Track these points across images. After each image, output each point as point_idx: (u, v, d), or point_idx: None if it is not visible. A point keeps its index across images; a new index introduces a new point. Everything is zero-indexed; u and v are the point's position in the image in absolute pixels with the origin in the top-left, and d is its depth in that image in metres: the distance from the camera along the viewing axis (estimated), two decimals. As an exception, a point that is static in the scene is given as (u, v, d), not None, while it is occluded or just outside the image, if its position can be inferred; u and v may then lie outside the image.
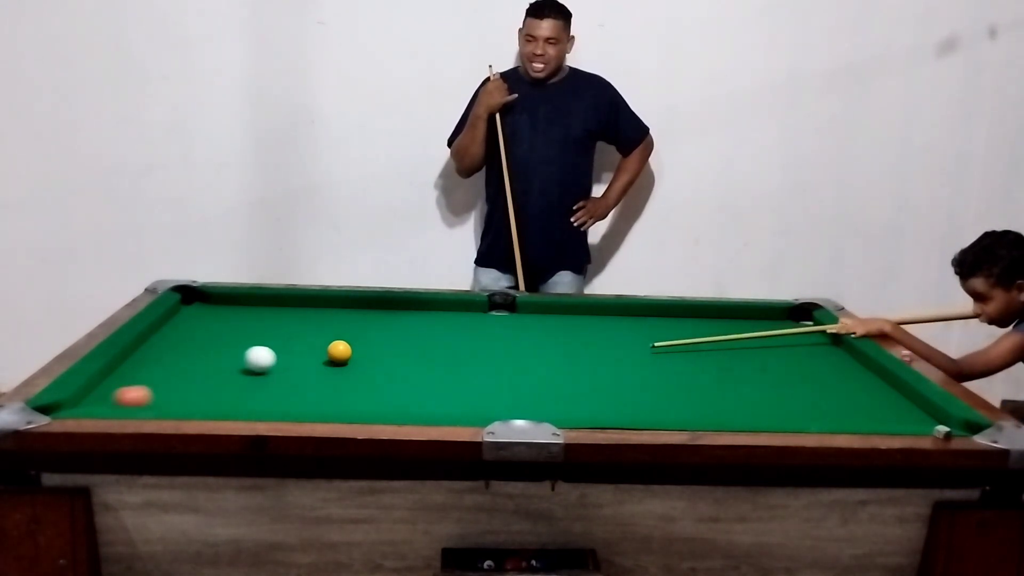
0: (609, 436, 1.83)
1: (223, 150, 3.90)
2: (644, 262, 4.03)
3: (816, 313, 2.88)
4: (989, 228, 4.16)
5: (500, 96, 3.52)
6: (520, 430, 1.81)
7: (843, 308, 2.90)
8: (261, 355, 2.24)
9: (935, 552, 1.87)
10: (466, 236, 4.00)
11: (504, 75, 3.64)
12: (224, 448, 1.79)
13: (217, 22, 3.79)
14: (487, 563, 1.81)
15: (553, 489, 1.83)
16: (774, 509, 1.88)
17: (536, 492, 1.84)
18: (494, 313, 2.91)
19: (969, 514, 1.86)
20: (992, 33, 3.98)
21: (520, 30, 3.57)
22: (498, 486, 1.83)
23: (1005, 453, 1.83)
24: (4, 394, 1.92)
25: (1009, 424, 1.94)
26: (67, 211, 3.89)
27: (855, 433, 1.89)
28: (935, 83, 4.01)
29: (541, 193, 3.59)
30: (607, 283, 3.94)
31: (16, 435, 1.74)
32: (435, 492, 1.84)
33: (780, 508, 1.88)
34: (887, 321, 2.70)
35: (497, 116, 3.54)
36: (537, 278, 3.62)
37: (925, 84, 4.01)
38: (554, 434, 1.80)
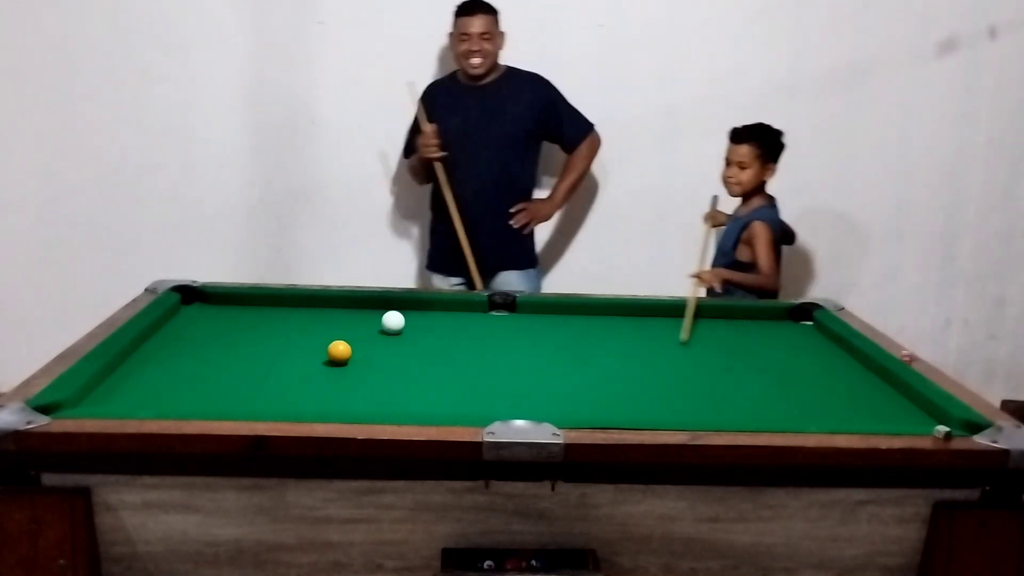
0: (609, 436, 1.83)
1: (223, 150, 3.91)
2: (644, 262, 4.03)
3: (816, 313, 2.88)
4: (989, 228, 4.21)
5: (430, 152, 3.54)
6: (520, 430, 1.81)
7: (843, 308, 2.90)
8: (394, 319, 2.57)
9: (935, 552, 1.87)
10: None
11: (439, 82, 3.73)
12: (224, 448, 1.79)
13: (217, 22, 3.80)
14: (487, 563, 1.81)
15: (553, 489, 1.83)
16: (774, 509, 1.88)
17: (536, 492, 1.84)
18: (494, 313, 2.91)
19: (969, 514, 1.86)
20: (992, 33, 3.98)
21: (451, 33, 3.62)
22: (498, 486, 1.83)
23: (1005, 453, 1.83)
24: (4, 394, 1.92)
25: (1009, 424, 1.94)
26: (67, 211, 3.90)
27: (855, 433, 1.89)
28: (935, 83, 4.01)
29: (476, 194, 3.60)
30: (607, 283, 3.94)
31: (16, 435, 1.74)
32: (435, 492, 1.84)
33: (780, 508, 1.88)
34: (720, 273, 3.24)
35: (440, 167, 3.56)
36: (483, 279, 3.65)
37: (925, 84, 4.01)
38: (554, 434, 1.80)
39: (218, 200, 3.93)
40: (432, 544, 1.85)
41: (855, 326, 2.71)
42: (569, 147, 3.74)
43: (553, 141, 3.75)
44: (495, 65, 3.62)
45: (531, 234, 3.75)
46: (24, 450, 1.76)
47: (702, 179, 4.03)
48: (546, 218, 3.76)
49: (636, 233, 4.06)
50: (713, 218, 3.46)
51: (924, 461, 1.86)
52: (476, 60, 3.54)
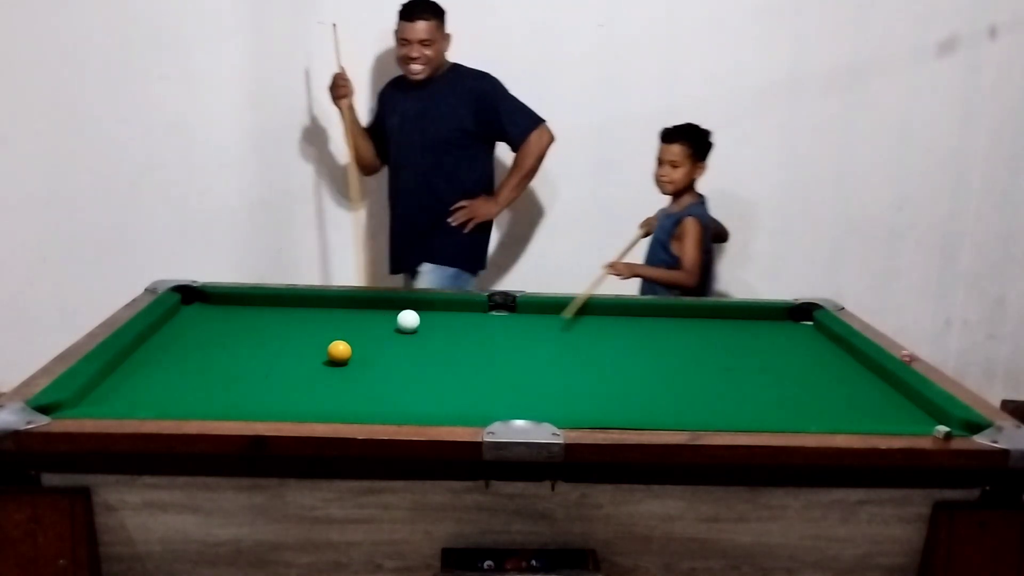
0: (609, 436, 1.83)
1: (223, 150, 3.91)
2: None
3: (816, 313, 2.87)
4: (989, 228, 4.20)
5: (338, 91, 3.55)
6: (520, 430, 1.81)
7: (843, 308, 2.90)
8: (410, 318, 2.61)
9: (935, 552, 1.87)
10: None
11: (393, 80, 3.66)
12: (224, 448, 1.79)
13: (217, 22, 3.80)
14: (487, 563, 1.81)
15: (553, 489, 1.83)
16: (774, 509, 1.88)
17: (536, 492, 1.84)
18: (494, 313, 2.91)
19: (969, 514, 1.86)
20: (992, 33, 3.98)
21: (395, 31, 3.52)
22: (498, 486, 1.83)
23: (1005, 453, 1.83)
24: (4, 394, 1.92)
25: (1009, 424, 1.94)
26: (67, 211, 3.90)
27: (855, 433, 1.89)
28: (935, 83, 4.01)
29: (408, 193, 3.59)
30: (608, 282, 3.95)
31: (16, 435, 1.74)
32: (435, 492, 1.84)
33: (780, 508, 1.88)
34: (634, 267, 3.36)
35: (344, 113, 3.58)
36: (407, 276, 3.67)
37: (925, 84, 4.01)
38: (554, 434, 1.80)
39: (218, 200, 3.93)
40: (432, 544, 1.85)
41: (855, 326, 2.71)
42: (514, 145, 3.60)
43: (500, 140, 3.63)
44: (439, 68, 3.53)
45: (473, 235, 3.61)
46: (24, 450, 1.76)
47: (702, 179, 4.05)
48: (487, 217, 3.61)
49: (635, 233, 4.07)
50: (649, 224, 3.54)
51: (924, 461, 1.86)
52: (416, 67, 3.46)
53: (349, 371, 2.30)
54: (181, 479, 1.81)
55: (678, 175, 3.38)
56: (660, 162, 3.42)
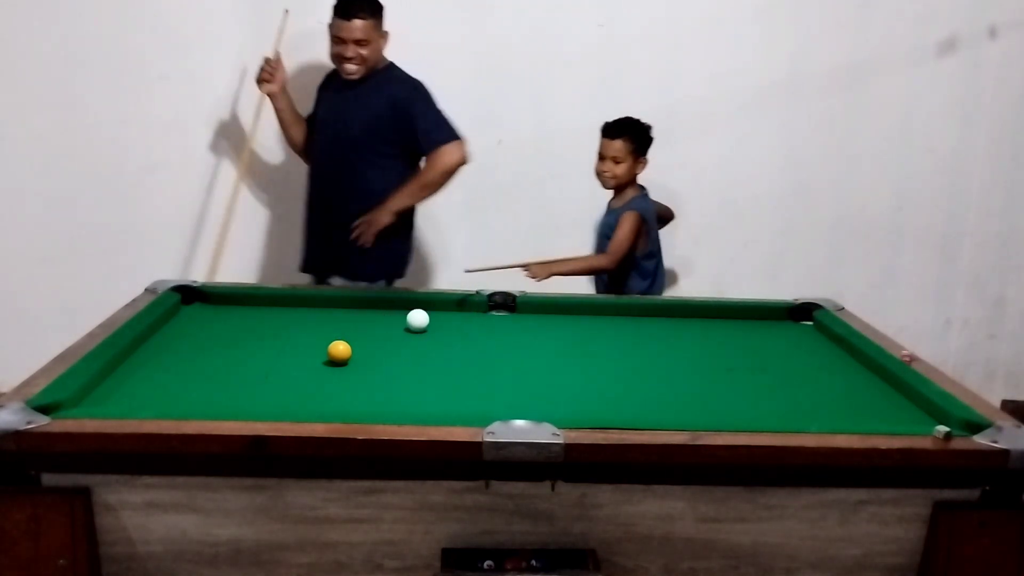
0: (609, 436, 1.83)
1: (223, 150, 3.91)
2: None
3: (816, 313, 2.88)
4: (989, 228, 4.21)
5: (261, 76, 3.43)
6: (520, 430, 1.81)
7: (843, 308, 2.90)
8: (419, 317, 2.62)
9: (935, 552, 1.87)
10: (465, 236, 4.01)
11: (330, 72, 3.49)
12: (224, 448, 1.79)
13: (217, 22, 3.79)
14: (487, 563, 1.81)
15: (553, 489, 1.83)
16: (774, 509, 1.88)
17: (536, 492, 1.84)
18: (494, 313, 2.91)
19: (969, 514, 1.86)
20: (992, 33, 3.98)
21: (329, 26, 3.34)
22: (498, 486, 1.83)
23: (1005, 453, 1.83)
24: (4, 394, 1.92)
25: (1009, 424, 1.94)
26: (67, 211, 3.89)
27: (855, 433, 1.89)
28: (935, 83, 4.02)
29: (319, 193, 3.47)
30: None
31: (16, 435, 1.74)
32: (435, 492, 1.84)
33: (780, 508, 1.88)
34: (551, 266, 3.27)
35: (274, 100, 3.47)
36: (319, 281, 3.50)
37: (925, 84, 4.01)
38: (554, 434, 1.80)
39: (218, 200, 3.93)
40: (432, 544, 1.85)
41: (855, 326, 2.71)
42: (425, 155, 3.37)
43: (415, 149, 3.38)
44: (376, 65, 3.36)
45: (388, 246, 3.39)
46: (24, 450, 1.76)
47: (702, 179, 4.05)
48: (378, 226, 3.30)
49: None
50: (535, 273, 3.27)
51: (924, 461, 1.86)
52: (351, 67, 3.29)
53: (349, 371, 2.30)
54: (181, 479, 1.81)
55: (620, 170, 3.38)
56: (602, 157, 3.41)
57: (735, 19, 3.92)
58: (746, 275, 4.07)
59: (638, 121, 3.41)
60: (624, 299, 3.19)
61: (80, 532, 1.78)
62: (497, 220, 4.02)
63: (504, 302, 2.93)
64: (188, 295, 2.82)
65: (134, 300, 2.69)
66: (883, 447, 1.84)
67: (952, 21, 3.96)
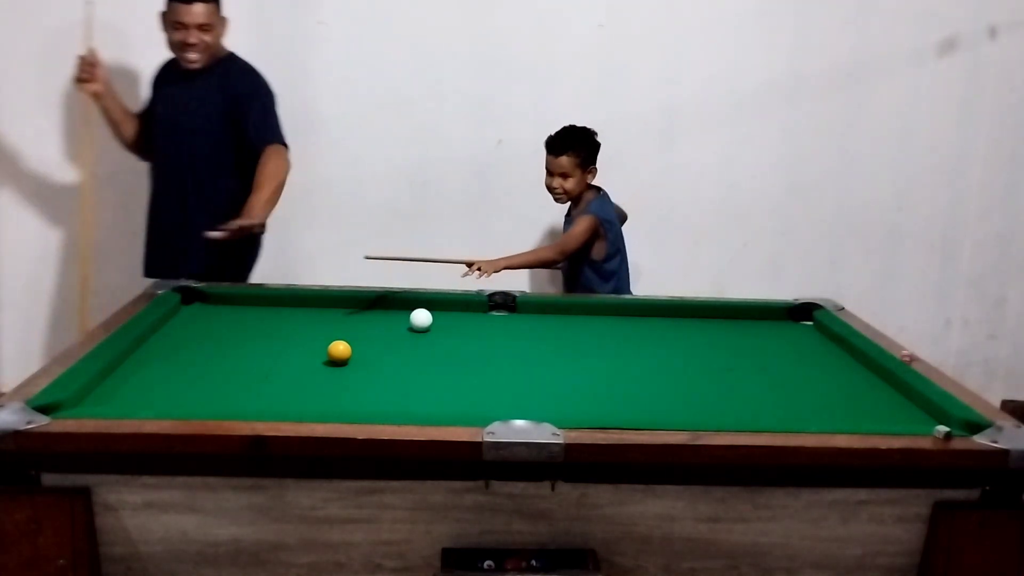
0: (609, 436, 1.83)
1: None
2: (644, 262, 4.03)
3: (816, 313, 2.87)
4: (989, 228, 4.21)
5: (80, 75, 3.20)
6: (520, 430, 1.81)
7: (843, 308, 2.90)
8: (422, 317, 2.62)
9: (935, 552, 1.87)
10: (466, 236, 4.00)
11: (168, 61, 3.30)
12: (224, 448, 1.79)
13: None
14: (487, 563, 1.81)
15: (553, 489, 1.83)
16: (774, 509, 1.88)
17: (536, 492, 1.84)
18: (494, 313, 2.91)
19: (969, 514, 1.86)
20: (992, 33, 3.98)
21: (163, 14, 3.15)
22: (498, 486, 1.83)
23: (1005, 453, 1.83)
24: (4, 394, 1.92)
25: (1009, 424, 1.94)
26: (68, 211, 3.89)
27: (855, 433, 1.89)
28: (935, 83, 4.02)
29: (161, 193, 3.31)
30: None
31: (16, 435, 1.74)
32: (435, 492, 1.84)
33: (780, 508, 1.88)
34: (497, 263, 3.17)
35: (98, 101, 3.26)
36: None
37: (925, 84, 4.02)
38: (554, 434, 1.80)
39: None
40: (432, 544, 1.85)
41: (855, 326, 2.71)
42: (253, 154, 3.16)
43: (247, 144, 3.19)
44: (216, 54, 3.21)
45: (233, 254, 3.21)
46: (24, 450, 1.76)
47: (702, 179, 4.05)
48: (239, 235, 3.01)
49: (636, 233, 4.06)
50: (484, 270, 3.15)
51: (924, 461, 1.86)
52: (193, 55, 3.13)
53: (349, 371, 2.30)
54: (181, 479, 1.81)
55: (570, 185, 3.36)
56: (550, 173, 3.37)
57: (735, 19, 3.93)
58: (746, 275, 4.07)
59: (583, 130, 3.39)
60: (624, 299, 3.19)
61: (80, 532, 1.78)
62: (497, 220, 4.02)
63: (504, 302, 2.93)
64: (188, 295, 2.82)
65: (134, 300, 2.69)
66: (883, 447, 1.84)
67: (952, 21, 3.96)
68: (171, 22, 3.13)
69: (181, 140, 3.23)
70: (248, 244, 3.33)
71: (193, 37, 3.11)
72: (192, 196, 3.24)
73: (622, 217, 3.66)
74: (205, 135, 3.21)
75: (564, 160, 3.34)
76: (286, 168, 3.15)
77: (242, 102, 3.18)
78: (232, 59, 3.27)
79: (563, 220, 3.59)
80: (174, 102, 3.25)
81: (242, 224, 2.96)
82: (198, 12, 3.09)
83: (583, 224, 3.34)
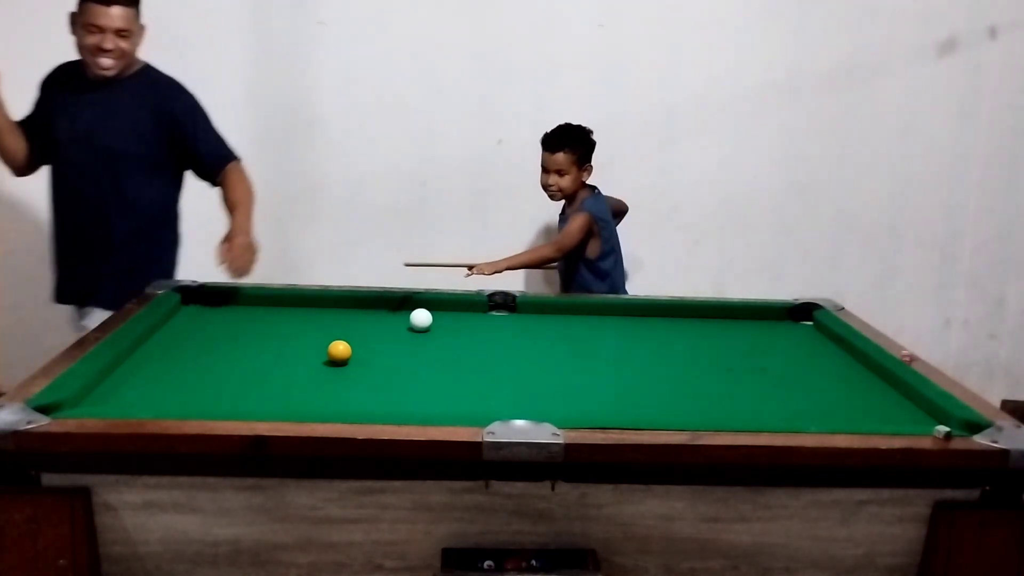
0: (609, 436, 1.83)
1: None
2: (644, 262, 4.04)
3: (816, 313, 2.87)
4: (989, 228, 4.21)
5: None
6: (520, 430, 1.81)
7: (843, 308, 2.90)
8: (422, 317, 2.62)
9: (935, 552, 1.87)
10: (466, 235, 4.01)
11: (65, 66, 3.04)
12: (224, 448, 1.79)
13: (217, 22, 3.80)
14: (487, 563, 1.81)
15: (553, 489, 1.83)
16: (774, 509, 1.88)
17: (536, 492, 1.84)
18: (494, 313, 2.91)
19: (969, 514, 1.86)
20: (992, 33, 3.98)
21: (74, 15, 2.90)
22: (498, 486, 1.83)
23: (1005, 453, 1.83)
24: (4, 394, 1.92)
25: (1009, 424, 1.94)
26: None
27: (855, 433, 1.89)
28: (935, 83, 4.02)
29: (75, 212, 3.03)
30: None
31: (16, 435, 1.74)
32: (435, 492, 1.84)
33: (780, 508, 1.88)
34: (497, 264, 3.25)
35: None
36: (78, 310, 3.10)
37: (925, 84, 4.02)
38: (554, 434, 1.80)
39: (218, 200, 3.93)
40: (432, 544, 1.85)
41: (855, 326, 2.71)
42: (209, 173, 3.03)
43: (189, 166, 3.08)
44: (131, 64, 2.99)
45: (153, 271, 3.01)
46: (24, 450, 1.75)
47: (702, 179, 4.06)
48: (254, 253, 2.89)
49: (636, 233, 4.06)
50: (482, 271, 3.26)
51: (924, 461, 1.85)
52: (108, 62, 2.88)
53: (349, 371, 2.30)
54: (181, 479, 1.81)
55: (566, 182, 3.37)
56: (545, 170, 3.39)
57: (735, 19, 3.93)
58: (746, 275, 4.08)
59: (579, 128, 3.40)
60: (624, 299, 3.19)
61: (80, 532, 1.78)
62: (497, 220, 4.02)
63: (504, 302, 2.93)
64: (188, 295, 2.82)
65: (134, 300, 2.69)
66: (883, 447, 1.84)
67: (952, 21, 3.97)
68: (84, 24, 2.86)
69: (99, 156, 2.96)
70: (166, 264, 3.14)
71: (109, 43, 2.86)
72: (116, 216, 3.00)
73: (623, 209, 3.67)
74: (131, 152, 2.98)
75: (560, 157, 3.35)
76: (248, 183, 3.05)
77: (182, 122, 3.00)
78: (151, 70, 3.05)
79: (557, 219, 3.60)
80: (87, 114, 2.96)
81: (241, 257, 2.78)
82: (117, 16, 2.85)
83: (578, 221, 3.36)
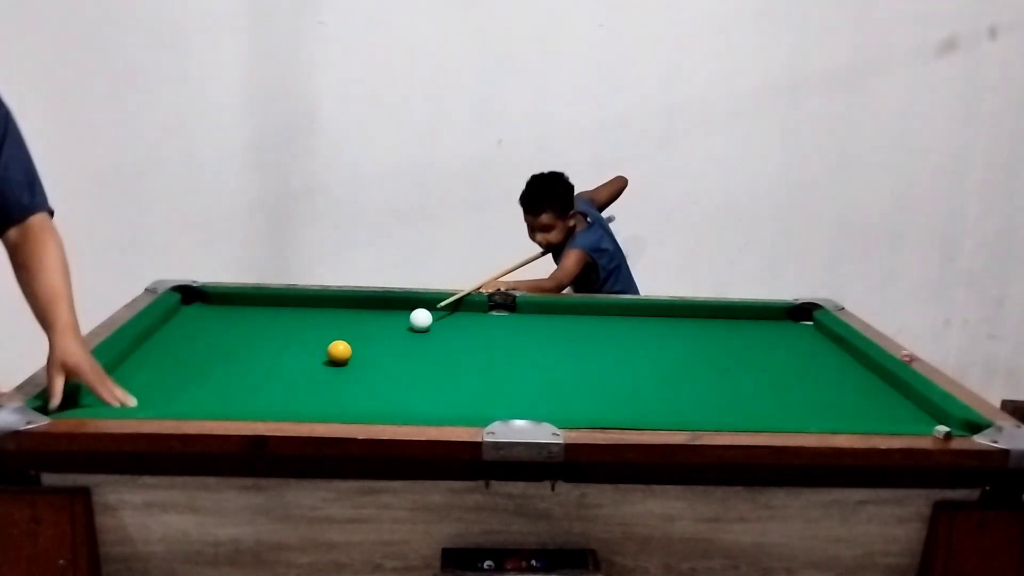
0: (609, 436, 1.82)
1: (223, 150, 3.91)
2: (644, 262, 4.03)
3: (816, 313, 2.87)
4: (989, 228, 4.21)
5: None
6: (520, 430, 1.81)
7: (843, 308, 2.90)
8: (421, 317, 2.62)
9: (935, 552, 1.87)
10: (466, 235, 4.01)
11: None
12: (224, 448, 1.78)
13: (217, 22, 3.80)
14: (487, 563, 1.80)
15: (553, 489, 1.83)
16: (774, 509, 1.88)
17: (536, 492, 1.84)
18: (494, 313, 2.91)
19: (969, 514, 1.86)
20: (992, 33, 3.98)
21: None
22: (498, 486, 1.83)
23: (1005, 453, 1.83)
24: (4, 394, 1.92)
25: (1009, 424, 1.94)
26: (67, 211, 3.88)
27: (855, 433, 1.89)
28: (935, 83, 4.02)
29: None
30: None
31: (16, 435, 1.74)
32: (435, 492, 1.83)
33: (780, 508, 1.88)
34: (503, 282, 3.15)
35: None
36: None
37: (925, 84, 4.02)
38: (554, 434, 1.80)
39: (218, 200, 3.93)
40: (432, 544, 1.85)
41: (855, 326, 2.71)
42: (10, 215, 2.04)
43: None
44: None
45: None
46: (24, 450, 1.75)
47: (702, 179, 4.06)
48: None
49: (636, 233, 4.07)
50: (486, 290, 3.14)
51: (924, 461, 1.85)
52: None
53: (349, 371, 2.30)
54: (181, 479, 1.81)
55: (554, 236, 3.39)
56: (532, 229, 3.41)
57: (735, 19, 3.93)
58: (746, 275, 4.08)
59: (551, 180, 3.40)
60: (624, 299, 3.19)
61: (80, 532, 1.78)
62: (497, 220, 4.02)
63: (504, 302, 2.93)
64: (188, 295, 2.82)
65: (134, 300, 2.69)
66: (883, 447, 1.84)
67: (952, 21, 3.97)
68: None
69: None
70: None
71: None
72: None
73: (612, 195, 3.67)
74: None
75: (544, 217, 3.37)
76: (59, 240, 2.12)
77: None
78: None
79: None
80: None
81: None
82: None
83: (572, 258, 3.35)
